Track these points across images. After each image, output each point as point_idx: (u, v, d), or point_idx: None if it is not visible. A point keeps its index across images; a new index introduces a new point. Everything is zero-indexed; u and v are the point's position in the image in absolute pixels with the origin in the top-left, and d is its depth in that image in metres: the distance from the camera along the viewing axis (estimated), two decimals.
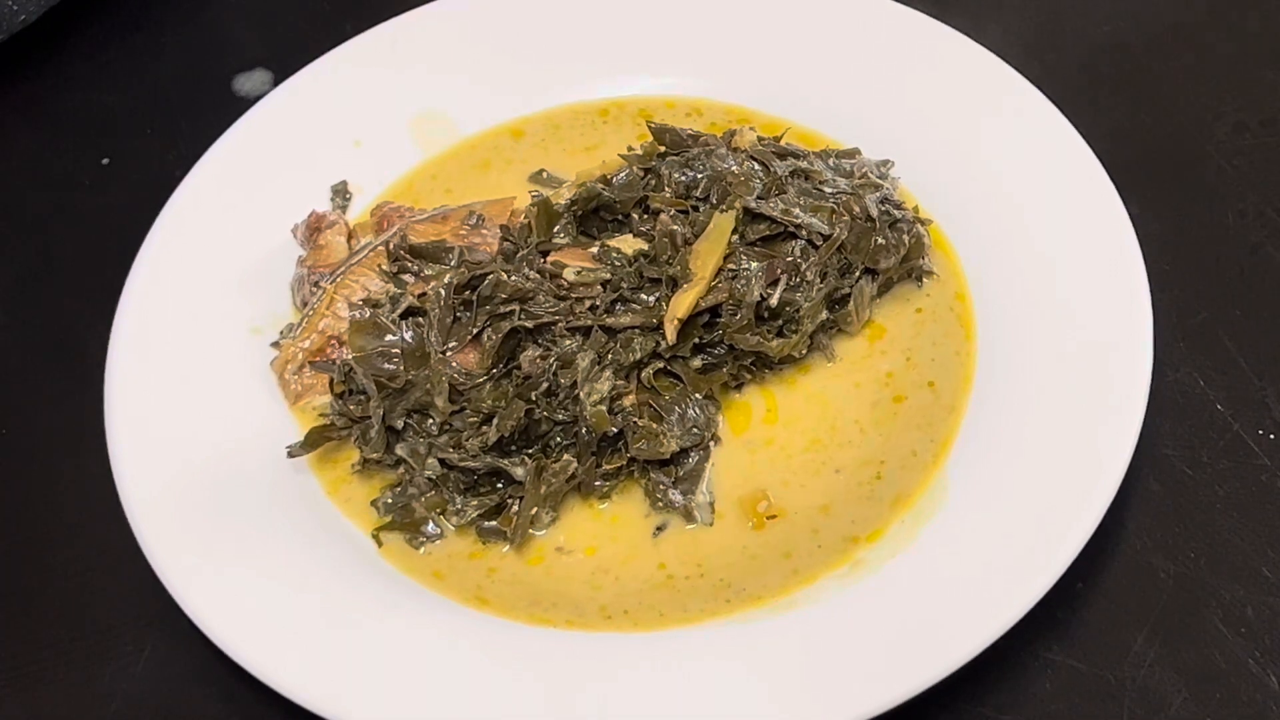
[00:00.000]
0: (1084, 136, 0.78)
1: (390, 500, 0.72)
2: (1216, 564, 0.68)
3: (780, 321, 0.73)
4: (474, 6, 0.90)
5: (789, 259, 0.73)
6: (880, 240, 0.75)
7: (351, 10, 0.98)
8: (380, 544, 0.71)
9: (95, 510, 0.74)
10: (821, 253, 0.74)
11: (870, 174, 0.78)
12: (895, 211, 0.76)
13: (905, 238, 0.76)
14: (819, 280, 0.74)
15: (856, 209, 0.74)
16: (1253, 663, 0.65)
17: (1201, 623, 0.66)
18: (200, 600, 0.66)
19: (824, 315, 0.74)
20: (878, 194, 0.76)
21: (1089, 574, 0.67)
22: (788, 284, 0.73)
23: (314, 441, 0.73)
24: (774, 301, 0.72)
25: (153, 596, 0.68)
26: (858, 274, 0.75)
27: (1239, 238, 0.80)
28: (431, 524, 0.71)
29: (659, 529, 0.70)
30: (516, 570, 0.69)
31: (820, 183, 0.76)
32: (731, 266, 0.73)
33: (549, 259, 0.75)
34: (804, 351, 0.74)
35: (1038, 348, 0.72)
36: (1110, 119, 0.85)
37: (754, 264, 0.73)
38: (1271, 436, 0.72)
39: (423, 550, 0.70)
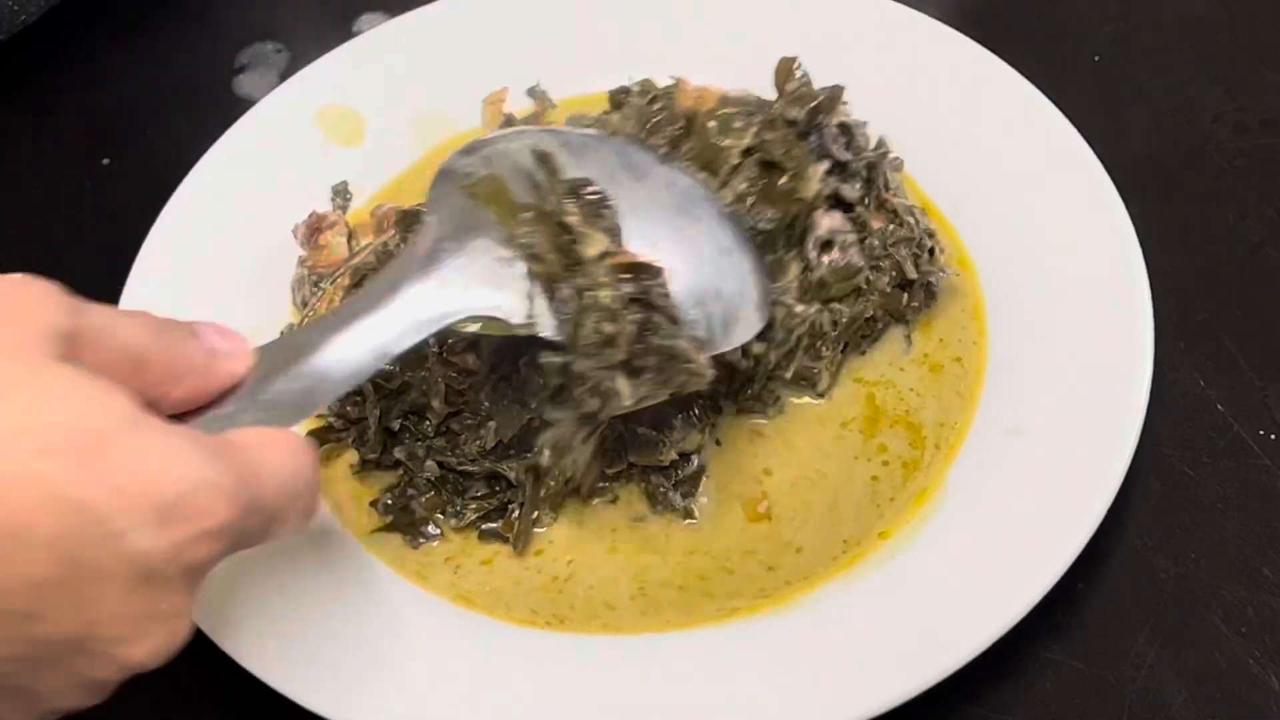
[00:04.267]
0: (1084, 136, 0.78)
1: (390, 501, 0.72)
2: (1216, 564, 0.68)
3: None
4: (475, 6, 0.89)
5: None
6: (915, 304, 0.75)
7: (354, 10, 0.98)
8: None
9: None
10: (843, 330, 0.73)
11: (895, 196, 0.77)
12: (928, 267, 0.75)
13: (936, 288, 0.75)
14: (839, 354, 0.73)
15: (886, 280, 0.74)
16: (1253, 663, 0.64)
17: (1201, 623, 0.66)
18: (199, 600, 0.66)
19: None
20: (912, 243, 0.74)
21: (1089, 574, 0.67)
22: (806, 356, 0.73)
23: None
24: (789, 374, 0.72)
25: None
26: (881, 326, 0.75)
27: (1239, 238, 0.80)
28: (431, 525, 0.71)
29: (658, 530, 0.70)
30: (511, 573, 0.69)
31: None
32: None
33: None
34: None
35: (1038, 347, 0.72)
36: (1110, 119, 0.84)
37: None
38: (1272, 436, 0.72)
39: (421, 551, 0.70)
